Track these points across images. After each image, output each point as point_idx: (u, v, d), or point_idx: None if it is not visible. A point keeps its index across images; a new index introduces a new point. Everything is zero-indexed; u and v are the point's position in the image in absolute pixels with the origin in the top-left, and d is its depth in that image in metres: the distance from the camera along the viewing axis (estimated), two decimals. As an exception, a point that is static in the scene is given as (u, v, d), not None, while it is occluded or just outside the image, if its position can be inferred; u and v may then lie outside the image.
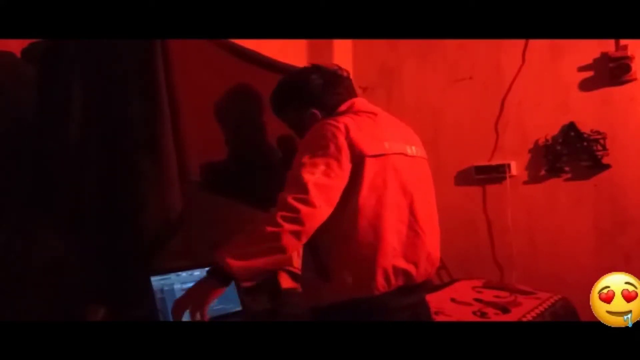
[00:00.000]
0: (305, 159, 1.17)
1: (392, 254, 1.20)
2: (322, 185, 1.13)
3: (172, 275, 1.46)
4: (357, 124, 1.25)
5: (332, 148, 1.18)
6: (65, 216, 1.38)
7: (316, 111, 1.36)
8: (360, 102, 1.38)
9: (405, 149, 1.33)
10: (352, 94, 1.40)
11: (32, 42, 1.49)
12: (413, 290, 1.28)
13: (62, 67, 1.41)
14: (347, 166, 1.19)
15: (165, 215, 1.37)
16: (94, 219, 1.38)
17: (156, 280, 1.41)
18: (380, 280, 1.19)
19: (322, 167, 1.15)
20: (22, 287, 1.36)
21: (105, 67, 1.39)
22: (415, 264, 1.25)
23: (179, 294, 1.44)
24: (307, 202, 1.10)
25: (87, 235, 1.38)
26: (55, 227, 1.39)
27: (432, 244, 1.31)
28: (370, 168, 1.21)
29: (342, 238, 1.21)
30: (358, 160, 1.21)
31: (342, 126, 1.21)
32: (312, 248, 1.26)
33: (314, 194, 1.11)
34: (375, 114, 1.35)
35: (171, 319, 1.17)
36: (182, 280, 1.48)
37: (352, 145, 1.20)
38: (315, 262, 1.25)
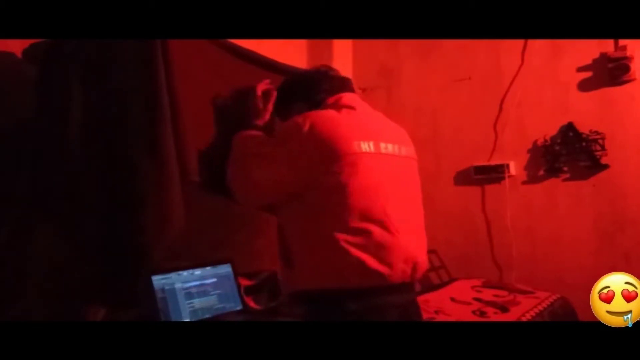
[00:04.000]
0: (265, 153, 1.27)
1: (355, 253, 1.17)
2: (264, 185, 1.26)
3: (173, 275, 1.46)
4: (331, 120, 1.25)
5: (288, 149, 1.23)
6: (66, 216, 1.39)
7: (303, 107, 1.37)
8: (347, 96, 1.37)
9: (386, 147, 1.30)
10: (338, 91, 1.39)
11: (32, 42, 1.49)
12: (389, 290, 1.23)
13: (63, 67, 1.41)
14: (304, 166, 1.21)
15: (166, 215, 1.37)
16: (94, 219, 1.38)
17: (157, 280, 1.42)
18: (336, 276, 1.18)
19: (274, 165, 1.24)
20: (22, 287, 1.36)
21: (105, 68, 1.39)
22: (390, 265, 1.20)
23: (180, 294, 1.45)
24: (244, 200, 1.33)
25: (88, 235, 1.38)
26: (55, 227, 1.39)
27: (412, 245, 1.27)
28: (337, 165, 1.20)
29: (304, 232, 1.23)
30: (327, 156, 1.20)
31: (307, 125, 1.21)
32: (280, 235, 1.29)
33: (251, 194, 1.30)
34: (358, 110, 1.34)
35: (172, 319, 1.17)
36: (183, 280, 1.48)
37: (318, 143, 1.20)
38: (282, 249, 1.29)
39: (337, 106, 1.33)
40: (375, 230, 1.21)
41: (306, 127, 1.21)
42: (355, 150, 1.22)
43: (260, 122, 1.43)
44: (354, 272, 1.18)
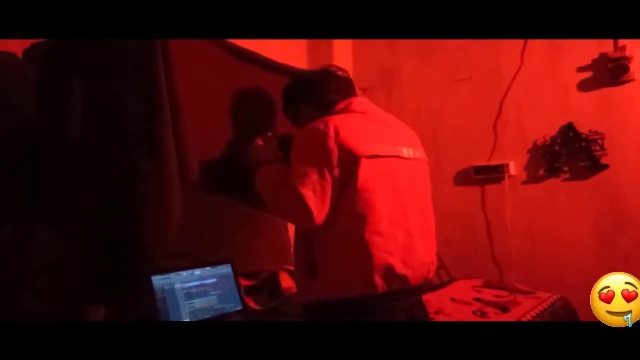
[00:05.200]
0: (299, 169, 1.20)
1: (385, 258, 1.18)
2: (319, 194, 1.16)
3: (173, 275, 1.46)
4: (349, 124, 1.24)
5: (321, 155, 1.19)
6: (66, 216, 1.38)
7: (311, 108, 1.37)
8: (357, 101, 1.36)
9: (401, 151, 1.31)
10: (348, 93, 1.39)
11: (33, 42, 1.49)
12: (407, 293, 1.25)
13: (63, 67, 1.41)
14: (337, 169, 1.19)
15: (166, 215, 1.37)
16: (94, 219, 1.38)
17: (157, 280, 1.41)
18: (364, 283, 1.17)
19: (315, 177, 1.17)
20: (23, 287, 1.36)
21: (105, 68, 1.39)
22: (413, 269, 1.23)
23: (179, 294, 1.45)
24: (310, 220, 1.16)
25: (88, 235, 1.38)
26: (55, 227, 1.39)
27: (425, 248, 1.29)
28: (362, 169, 1.20)
29: (331, 239, 1.21)
30: (352, 161, 1.19)
31: (331, 130, 1.20)
32: (306, 245, 1.26)
33: (314, 207, 1.15)
34: (370, 115, 1.34)
35: (172, 319, 1.16)
36: (183, 280, 1.48)
37: (343, 147, 1.19)
38: (307, 258, 1.26)
39: (349, 111, 1.33)
40: (400, 233, 1.22)
41: (331, 132, 1.20)
42: (375, 154, 1.23)
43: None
44: (383, 278, 1.18)
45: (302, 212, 1.16)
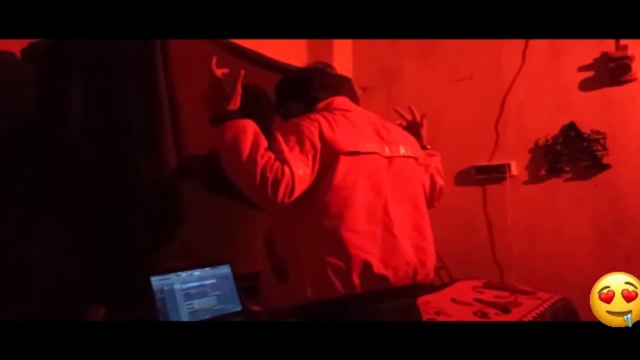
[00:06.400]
0: (286, 152, 1.16)
1: (362, 257, 1.15)
2: (302, 179, 1.15)
3: (172, 276, 1.46)
4: (331, 121, 1.24)
5: (308, 145, 1.19)
6: (66, 216, 1.39)
7: (296, 104, 1.37)
8: (339, 100, 1.36)
9: (383, 149, 1.30)
10: (335, 90, 1.39)
11: (32, 42, 1.49)
12: (394, 294, 1.22)
13: (62, 67, 1.42)
14: (319, 164, 1.19)
15: (165, 215, 1.37)
16: (94, 219, 1.38)
17: (156, 281, 1.41)
18: (337, 283, 1.14)
19: (300, 163, 1.16)
20: (22, 287, 1.36)
21: (105, 68, 1.40)
22: (394, 269, 1.19)
23: (178, 294, 1.45)
24: (287, 198, 1.13)
25: (87, 235, 1.38)
26: (55, 227, 1.39)
27: (412, 247, 1.25)
28: (340, 166, 1.19)
29: (302, 237, 1.20)
30: (331, 157, 1.19)
31: (316, 125, 1.21)
32: (269, 247, 1.25)
33: (297, 188, 1.14)
34: (351, 113, 1.33)
35: (171, 319, 1.16)
36: (182, 281, 1.48)
37: (326, 143, 1.19)
38: (272, 261, 1.24)
39: (330, 109, 1.32)
40: (379, 232, 1.20)
41: (316, 127, 1.21)
42: (355, 150, 1.22)
43: (233, 108, 1.26)
44: (360, 277, 1.15)
45: (285, 188, 1.11)
